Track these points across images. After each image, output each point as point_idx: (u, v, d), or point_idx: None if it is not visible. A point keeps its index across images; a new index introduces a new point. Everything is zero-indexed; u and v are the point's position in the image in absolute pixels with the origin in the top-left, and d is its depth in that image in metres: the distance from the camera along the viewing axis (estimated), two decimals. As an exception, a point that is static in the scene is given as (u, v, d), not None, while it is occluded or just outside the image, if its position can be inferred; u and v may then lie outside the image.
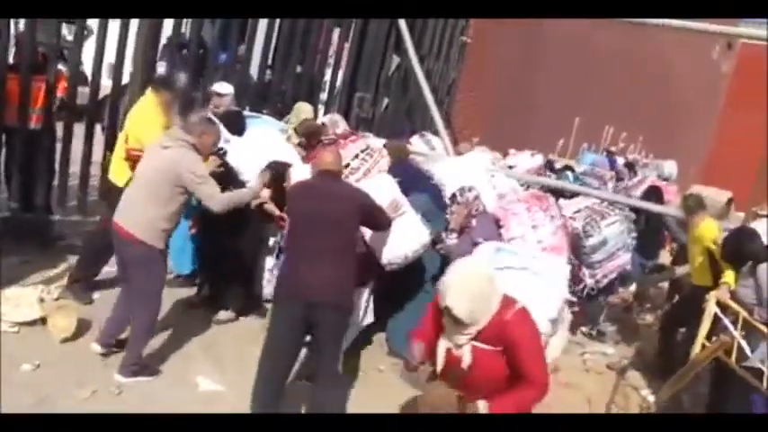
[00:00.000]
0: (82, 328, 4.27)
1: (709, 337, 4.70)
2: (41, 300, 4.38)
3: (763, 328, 4.36)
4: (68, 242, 5.40)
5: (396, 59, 7.92)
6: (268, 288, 4.90)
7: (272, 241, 5.03)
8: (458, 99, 8.91)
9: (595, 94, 12.99)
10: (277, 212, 4.67)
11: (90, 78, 5.75)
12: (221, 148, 4.48)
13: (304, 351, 3.94)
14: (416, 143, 6.53)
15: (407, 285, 4.89)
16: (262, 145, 4.83)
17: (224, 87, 5.63)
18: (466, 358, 2.74)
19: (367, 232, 4.17)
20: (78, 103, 5.68)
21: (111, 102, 5.87)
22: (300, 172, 4.52)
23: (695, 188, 8.91)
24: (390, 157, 5.13)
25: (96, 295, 4.79)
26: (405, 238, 4.29)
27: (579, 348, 6.05)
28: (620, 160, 11.01)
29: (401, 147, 5.61)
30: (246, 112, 5.57)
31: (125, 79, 5.91)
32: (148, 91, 4.80)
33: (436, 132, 7.03)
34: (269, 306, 4.43)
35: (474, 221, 4.64)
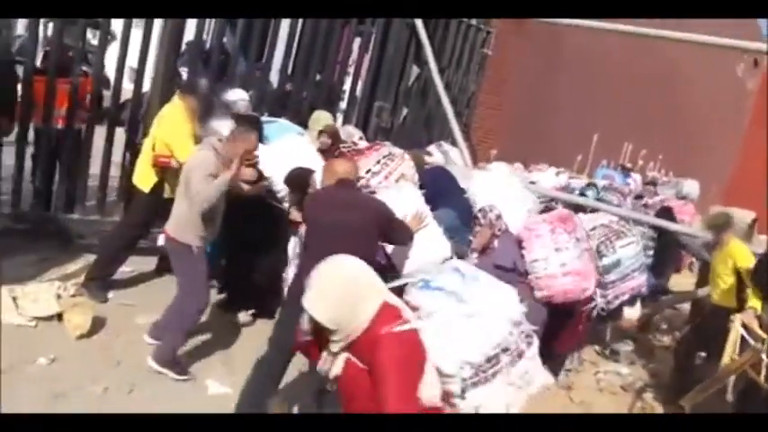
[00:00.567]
0: (97, 325, 4.34)
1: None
2: (58, 296, 4.44)
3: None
4: (87, 241, 5.47)
5: (416, 70, 7.94)
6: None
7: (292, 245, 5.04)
8: (477, 111, 8.90)
9: (616, 110, 12.93)
10: (301, 219, 4.67)
11: (112, 82, 5.87)
12: (254, 156, 4.46)
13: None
14: (433, 153, 6.50)
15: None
16: (288, 152, 4.86)
17: (236, 94, 5.62)
18: (334, 369, 2.27)
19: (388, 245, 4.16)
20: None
21: (133, 105, 5.98)
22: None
23: (716, 209, 8.77)
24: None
25: (111, 294, 4.85)
26: (426, 252, 4.24)
27: (593, 368, 6.00)
28: (638, 177, 10.91)
29: (419, 156, 5.61)
30: (264, 118, 5.60)
31: (146, 84, 6.01)
32: (175, 97, 4.86)
33: (454, 143, 7.04)
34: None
35: (496, 242, 4.51)
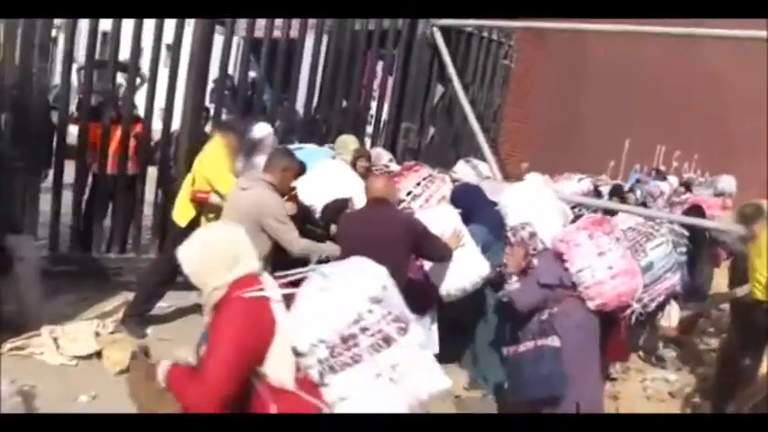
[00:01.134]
0: (136, 361, 4.37)
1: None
2: (97, 334, 4.51)
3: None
4: (124, 278, 5.55)
5: (440, 89, 7.95)
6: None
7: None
8: (503, 125, 8.85)
9: (646, 113, 12.70)
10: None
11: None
12: (293, 188, 4.48)
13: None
14: (461, 169, 6.46)
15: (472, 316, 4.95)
16: (324, 177, 4.87)
17: (261, 129, 5.55)
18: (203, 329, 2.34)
19: (427, 262, 4.11)
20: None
21: (163, 144, 6.10)
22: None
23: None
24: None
25: (149, 330, 4.90)
26: (464, 271, 4.24)
27: (639, 375, 5.82)
28: (674, 180, 10.69)
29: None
30: (292, 146, 5.63)
31: (176, 123, 6.13)
32: (216, 135, 4.97)
33: (483, 159, 6.98)
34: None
35: (535, 261, 4.32)
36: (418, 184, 5.12)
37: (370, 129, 7.80)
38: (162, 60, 5.98)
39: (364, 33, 7.26)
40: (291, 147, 5.57)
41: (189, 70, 5.97)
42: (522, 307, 4.18)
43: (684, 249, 5.31)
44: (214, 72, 6.41)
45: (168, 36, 5.84)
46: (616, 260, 4.18)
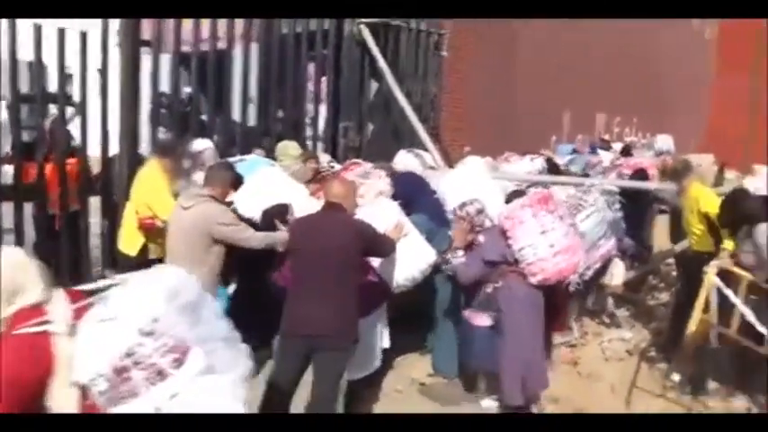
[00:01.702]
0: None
1: (721, 312, 4.67)
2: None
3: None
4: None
5: (375, 85, 8.02)
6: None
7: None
8: (442, 113, 8.98)
9: (581, 85, 13.00)
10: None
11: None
12: (230, 202, 4.50)
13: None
14: (402, 159, 6.52)
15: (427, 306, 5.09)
16: (263, 185, 4.86)
17: (201, 144, 5.64)
18: None
19: (374, 259, 4.19)
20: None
21: (101, 172, 6.00)
22: (305, 208, 4.46)
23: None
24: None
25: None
26: (411, 260, 4.30)
27: (597, 339, 6.03)
28: (617, 146, 10.97)
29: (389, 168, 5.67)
30: (231, 159, 5.62)
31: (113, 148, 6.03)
32: (151, 159, 4.92)
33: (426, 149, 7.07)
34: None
35: (480, 237, 4.50)
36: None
37: (310, 131, 7.81)
38: (91, 86, 5.86)
39: (292, 36, 7.28)
40: (232, 159, 5.58)
41: (120, 93, 5.86)
42: (465, 280, 4.43)
43: (619, 206, 5.53)
44: (147, 93, 6.34)
45: (95, 61, 5.73)
46: (558, 238, 4.34)
